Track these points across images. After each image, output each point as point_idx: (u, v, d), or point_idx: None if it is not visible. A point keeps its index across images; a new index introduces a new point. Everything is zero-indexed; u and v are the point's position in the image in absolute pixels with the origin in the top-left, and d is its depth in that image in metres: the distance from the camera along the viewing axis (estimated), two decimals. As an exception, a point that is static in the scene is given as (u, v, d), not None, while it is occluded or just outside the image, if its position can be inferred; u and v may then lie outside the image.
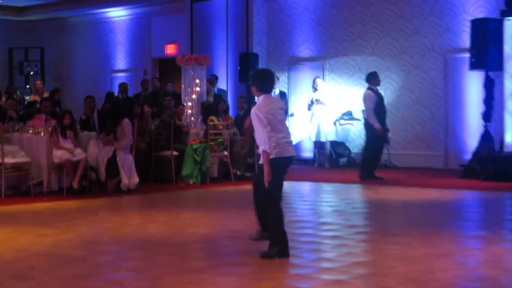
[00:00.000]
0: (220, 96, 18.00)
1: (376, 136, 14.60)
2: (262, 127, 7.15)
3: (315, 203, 12.25)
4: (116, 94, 18.93)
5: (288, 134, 7.36)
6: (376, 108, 14.66)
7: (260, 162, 7.37)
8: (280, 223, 7.32)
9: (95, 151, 13.03)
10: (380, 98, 14.81)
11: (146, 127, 15.07)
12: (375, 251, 7.72)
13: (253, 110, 7.25)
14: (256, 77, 7.51)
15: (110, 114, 13.41)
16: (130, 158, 13.19)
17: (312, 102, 17.78)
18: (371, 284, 6.24)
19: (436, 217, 10.34)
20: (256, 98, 7.50)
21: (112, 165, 12.97)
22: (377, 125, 14.57)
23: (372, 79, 14.88)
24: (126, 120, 13.16)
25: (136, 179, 13.28)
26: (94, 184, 13.08)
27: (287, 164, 7.39)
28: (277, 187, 7.33)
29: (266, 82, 7.43)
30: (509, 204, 12.24)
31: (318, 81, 17.92)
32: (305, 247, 8.00)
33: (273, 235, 7.33)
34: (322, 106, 17.77)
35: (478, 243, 8.22)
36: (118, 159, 12.98)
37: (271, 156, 7.17)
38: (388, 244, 8.06)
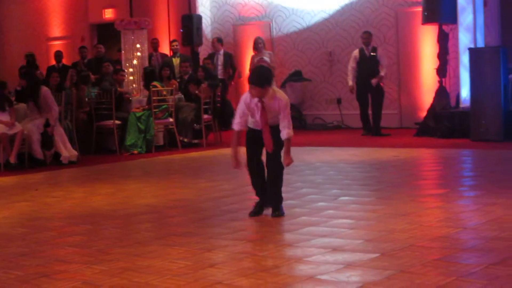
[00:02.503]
0: (166, 59, 17.57)
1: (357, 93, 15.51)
2: (289, 113, 7.41)
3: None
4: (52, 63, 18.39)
5: None
6: (358, 66, 15.39)
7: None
8: (254, 183, 7.67)
9: (29, 125, 12.55)
10: (361, 57, 15.38)
11: (83, 96, 14.59)
12: (329, 213, 7.48)
13: (284, 98, 7.40)
14: (264, 76, 7.44)
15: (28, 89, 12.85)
16: (60, 129, 12.78)
17: (254, 63, 17.46)
18: (326, 247, 6.00)
19: (392, 177, 10.16)
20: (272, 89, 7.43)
21: (47, 137, 12.54)
22: (349, 82, 15.54)
23: (360, 38, 15.80)
24: (45, 89, 12.75)
25: (73, 151, 12.86)
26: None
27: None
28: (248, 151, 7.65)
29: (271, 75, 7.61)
30: (467, 161, 12.13)
31: (259, 40, 17.57)
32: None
33: (280, 198, 7.55)
34: (266, 65, 17.42)
35: (436, 201, 8.04)
36: (55, 130, 12.57)
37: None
38: (343, 206, 7.85)
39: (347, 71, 16.42)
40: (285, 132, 7.36)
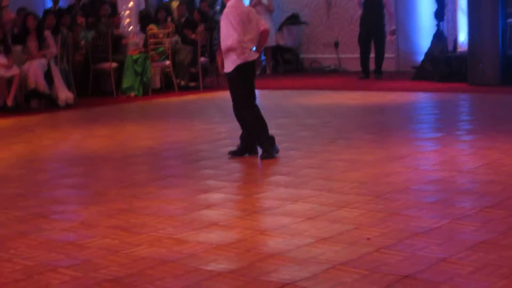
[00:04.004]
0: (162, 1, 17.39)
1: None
2: (233, 28, 7.21)
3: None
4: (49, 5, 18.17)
5: (254, 38, 7.43)
6: (363, 8, 15.25)
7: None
8: (263, 127, 7.44)
9: (33, 68, 12.45)
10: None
11: (78, 39, 14.47)
12: (325, 156, 7.50)
13: (227, 10, 7.33)
14: None
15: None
16: (57, 72, 12.73)
17: (252, 6, 17.32)
18: (322, 189, 6.04)
19: (389, 120, 10.18)
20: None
21: (48, 79, 12.50)
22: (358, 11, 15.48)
23: None
24: (47, 32, 12.69)
25: (70, 93, 12.82)
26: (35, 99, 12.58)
27: (253, 68, 7.47)
28: (249, 94, 7.47)
29: None
30: (464, 105, 12.14)
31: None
32: (251, 156, 7.78)
33: (262, 140, 7.45)
34: (263, 9, 17.30)
35: (432, 145, 8.06)
36: (52, 71, 12.53)
37: (238, 62, 7.28)
38: (339, 149, 7.87)
39: (344, 15, 16.34)
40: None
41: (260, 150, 7.54)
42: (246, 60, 7.30)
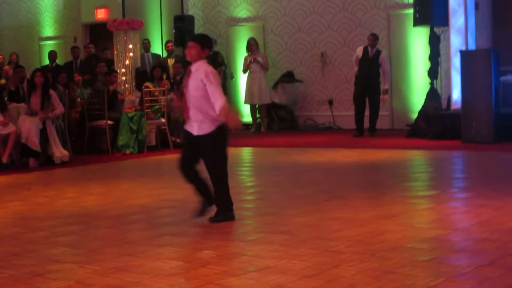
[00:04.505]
0: (159, 59, 17.57)
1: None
2: (217, 86, 7.04)
3: (253, 168, 12.05)
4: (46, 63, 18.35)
5: None
6: (358, 65, 15.59)
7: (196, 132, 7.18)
8: (227, 188, 7.29)
9: (28, 125, 12.49)
10: (364, 56, 15.49)
11: (75, 97, 14.57)
12: (321, 215, 7.51)
13: (207, 69, 7.11)
14: (203, 38, 7.38)
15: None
16: (53, 129, 12.79)
17: (247, 64, 17.51)
18: (318, 248, 6.05)
19: (383, 178, 10.22)
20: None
21: (42, 137, 12.54)
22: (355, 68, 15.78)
23: (367, 39, 15.77)
24: (51, 91, 12.80)
25: (65, 151, 12.86)
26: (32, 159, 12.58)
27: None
28: (226, 153, 7.31)
29: (211, 44, 7.42)
30: (458, 163, 12.19)
31: (252, 41, 17.62)
32: (247, 214, 7.80)
33: (221, 201, 7.28)
34: (259, 68, 17.47)
35: (427, 203, 8.07)
36: (47, 130, 12.58)
37: (218, 123, 7.10)
38: (334, 207, 7.89)
39: (339, 73, 16.53)
40: (217, 106, 6.99)
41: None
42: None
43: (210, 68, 7.17)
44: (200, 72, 7.12)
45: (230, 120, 7.13)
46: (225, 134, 7.21)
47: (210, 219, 7.27)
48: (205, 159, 7.25)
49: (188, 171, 7.29)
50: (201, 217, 7.31)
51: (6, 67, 17.40)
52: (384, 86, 15.47)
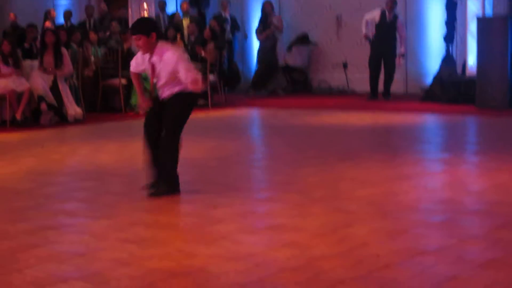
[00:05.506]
0: (174, 20, 17.51)
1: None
2: (189, 62, 6.81)
3: (267, 129, 12.05)
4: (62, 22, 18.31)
5: None
6: (376, 29, 15.42)
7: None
8: (177, 160, 6.87)
9: (40, 81, 12.55)
10: (381, 20, 15.32)
11: (88, 55, 14.56)
12: (334, 175, 7.52)
13: (174, 52, 6.74)
14: (142, 26, 6.82)
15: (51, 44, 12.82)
16: (66, 88, 12.81)
17: (262, 26, 17.41)
18: (331, 207, 6.06)
19: (396, 141, 10.20)
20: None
21: (54, 95, 12.55)
22: (363, 31, 15.61)
23: (385, 3, 15.51)
24: (63, 49, 12.79)
25: (79, 109, 12.89)
26: (46, 114, 12.58)
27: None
28: (183, 124, 6.98)
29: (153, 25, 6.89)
30: (472, 127, 12.15)
31: (267, 4, 17.51)
32: (261, 173, 7.82)
33: (169, 174, 6.79)
34: (273, 30, 17.37)
35: (440, 165, 8.08)
36: (60, 87, 12.59)
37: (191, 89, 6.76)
38: (348, 168, 7.89)
39: (354, 35, 16.39)
40: (189, 81, 6.67)
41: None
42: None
43: (171, 49, 6.79)
44: (167, 59, 6.70)
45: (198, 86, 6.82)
46: (193, 100, 6.97)
47: (150, 193, 6.74)
48: (165, 118, 6.90)
49: (152, 136, 7.02)
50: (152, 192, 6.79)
51: (47, 22, 17.26)
52: (400, 50, 15.40)
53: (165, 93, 6.88)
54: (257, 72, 17.63)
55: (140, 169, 8.07)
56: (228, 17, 17.85)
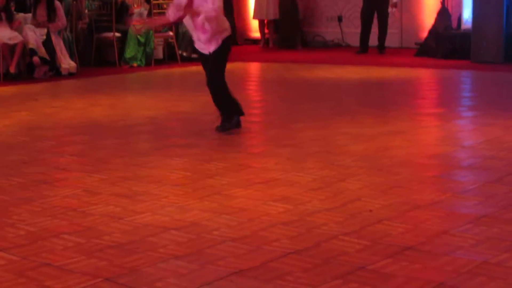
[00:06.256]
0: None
1: None
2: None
3: (262, 83, 12.02)
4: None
5: None
6: None
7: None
8: (230, 94, 7.31)
9: (32, 34, 12.44)
10: None
11: (82, 8, 14.42)
12: (328, 130, 7.51)
13: None
14: None
15: None
16: (60, 41, 12.70)
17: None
18: (325, 162, 6.06)
19: (390, 95, 10.18)
20: None
21: (48, 48, 12.45)
22: None
23: None
24: (57, 2, 12.66)
25: (72, 62, 12.81)
26: (40, 67, 12.49)
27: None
28: (225, 66, 7.27)
29: None
30: (466, 82, 12.12)
31: None
32: (255, 127, 7.80)
33: (226, 109, 7.33)
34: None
35: (434, 120, 8.07)
36: (53, 41, 12.49)
37: (226, 34, 7.12)
38: (341, 122, 7.87)
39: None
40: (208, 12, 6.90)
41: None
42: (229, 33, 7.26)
43: None
44: None
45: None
46: (229, 45, 7.26)
47: (216, 128, 7.33)
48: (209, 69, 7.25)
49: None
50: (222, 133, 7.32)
51: None
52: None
53: (200, 39, 7.09)
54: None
55: (134, 124, 8.07)
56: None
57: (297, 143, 6.85)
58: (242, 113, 7.37)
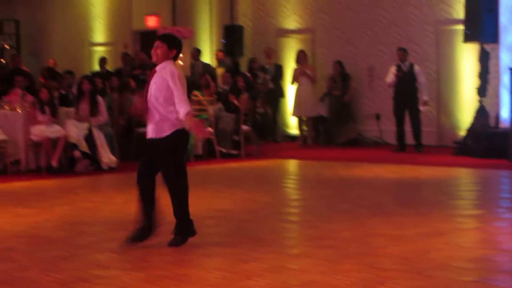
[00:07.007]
0: (208, 68, 17.70)
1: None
2: (183, 88, 6.66)
3: (300, 181, 12.05)
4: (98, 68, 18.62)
5: None
6: (398, 80, 15.37)
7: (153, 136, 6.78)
8: (187, 204, 6.92)
9: (74, 128, 12.68)
10: (399, 72, 15.38)
11: (126, 104, 14.71)
12: (366, 230, 7.49)
13: (173, 69, 6.70)
14: (170, 37, 7.08)
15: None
16: (101, 135, 12.93)
17: (296, 76, 17.51)
18: (363, 264, 6.04)
19: (429, 195, 10.14)
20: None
21: (89, 143, 12.67)
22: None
23: (397, 54, 15.72)
24: (99, 97, 12.96)
25: (113, 157, 12.99)
26: (81, 162, 12.69)
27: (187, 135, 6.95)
28: (183, 162, 6.91)
29: (178, 44, 7.03)
30: (505, 182, 12.04)
31: (301, 53, 17.61)
32: (293, 227, 7.81)
33: (183, 219, 6.88)
34: (307, 80, 17.44)
35: (473, 222, 8.01)
36: (95, 135, 12.72)
37: (178, 126, 6.72)
38: (379, 223, 7.85)
39: (386, 87, 16.43)
40: (182, 111, 6.59)
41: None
42: (183, 126, 6.77)
43: (177, 70, 6.75)
44: (166, 72, 6.71)
45: (196, 128, 6.84)
46: (183, 140, 6.82)
47: (169, 243, 6.79)
48: (160, 167, 6.81)
49: (144, 183, 6.90)
50: (132, 244, 6.78)
51: None
52: (422, 97, 15.37)
53: (150, 131, 6.80)
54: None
55: (172, 221, 8.11)
56: (270, 66, 18.00)
57: (335, 244, 6.83)
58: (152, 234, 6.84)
